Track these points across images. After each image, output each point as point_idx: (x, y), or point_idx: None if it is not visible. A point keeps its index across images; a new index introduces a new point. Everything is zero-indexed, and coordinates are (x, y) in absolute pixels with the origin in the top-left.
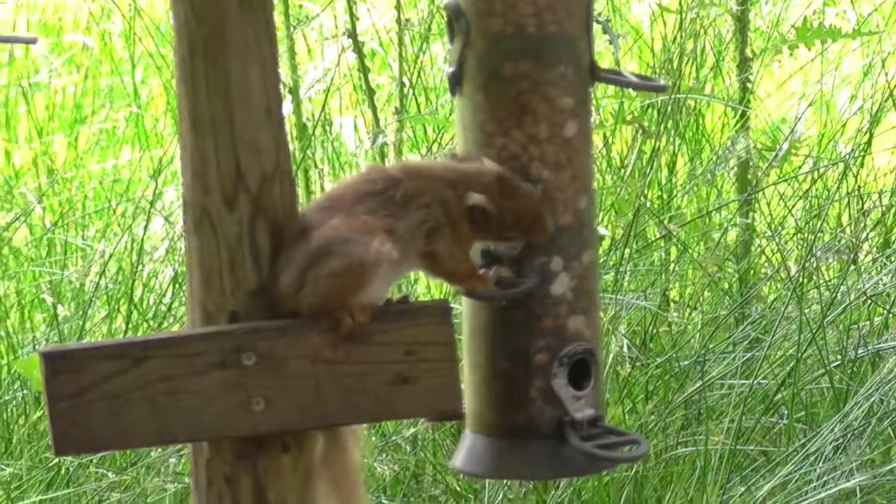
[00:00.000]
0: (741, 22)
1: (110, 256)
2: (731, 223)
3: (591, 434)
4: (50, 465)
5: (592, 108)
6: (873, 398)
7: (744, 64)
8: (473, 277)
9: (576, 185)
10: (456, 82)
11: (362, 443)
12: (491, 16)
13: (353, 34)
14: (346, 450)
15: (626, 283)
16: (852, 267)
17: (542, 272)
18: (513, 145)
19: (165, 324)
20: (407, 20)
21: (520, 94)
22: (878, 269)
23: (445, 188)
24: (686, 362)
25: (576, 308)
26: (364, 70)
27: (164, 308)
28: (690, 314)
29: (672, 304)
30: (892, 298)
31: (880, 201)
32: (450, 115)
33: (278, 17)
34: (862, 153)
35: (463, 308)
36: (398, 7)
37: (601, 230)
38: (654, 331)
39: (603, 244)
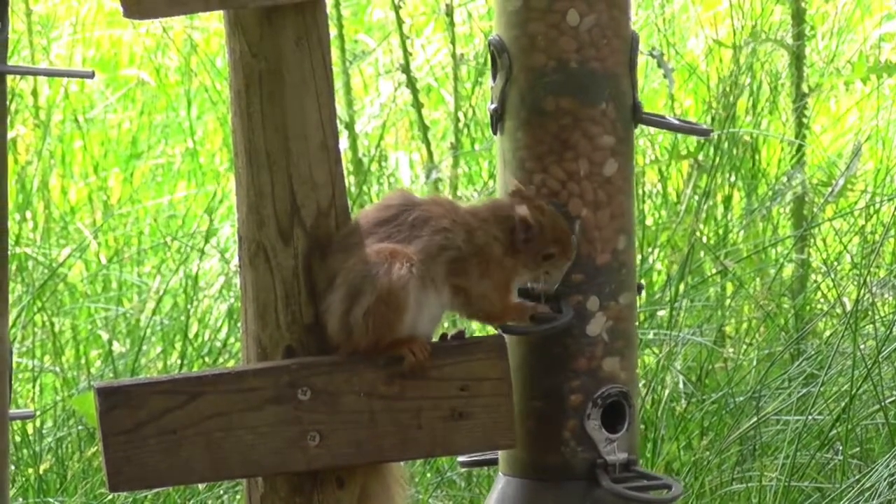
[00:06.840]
0: (797, 57)
1: (165, 292)
2: (787, 259)
3: (624, 477)
4: (104, 501)
5: (635, 148)
6: None
7: (799, 99)
8: (509, 313)
9: (615, 224)
10: (497, 119)
11: (405, 484)
12: (533, 50)
13: (406, 70)
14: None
15: (681, 319)
16: None
17: (578, 311)
18: (552, 181)
19: (220, 359)
20: (461, 55)
21: (560, 129)
22: None
23: (470, 219)
24: (741, 398)
25: (612, 349)
26: (418, 105)
27: (218, 344)
28: (746, 350)
29: (728, 339)
30: None
31: None
32: None
33: (335, 53)
34: None
35: None
36: (453, 42)
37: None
38: (710, 366)
39: (658, 280)
